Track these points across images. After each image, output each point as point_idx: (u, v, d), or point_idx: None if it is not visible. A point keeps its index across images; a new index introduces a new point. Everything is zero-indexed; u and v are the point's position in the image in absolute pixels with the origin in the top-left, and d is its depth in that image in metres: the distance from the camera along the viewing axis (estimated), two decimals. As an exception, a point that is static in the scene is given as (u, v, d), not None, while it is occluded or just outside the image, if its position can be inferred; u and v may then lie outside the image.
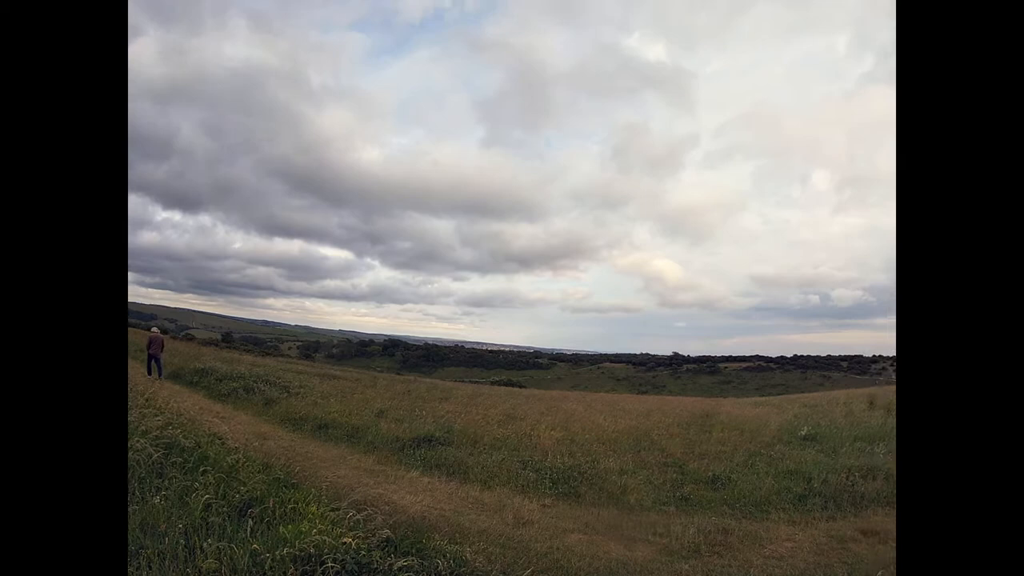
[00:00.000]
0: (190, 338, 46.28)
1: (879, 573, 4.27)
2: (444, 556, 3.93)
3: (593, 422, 12.44)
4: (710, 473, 8.22)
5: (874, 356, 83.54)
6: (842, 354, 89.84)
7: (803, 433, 10.95)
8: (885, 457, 8.55)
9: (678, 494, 7.50)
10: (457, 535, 4.76)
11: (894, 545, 4.58)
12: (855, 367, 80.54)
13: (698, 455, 9.35)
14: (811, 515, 6.74)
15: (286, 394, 13.27)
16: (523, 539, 5.31)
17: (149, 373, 14.46)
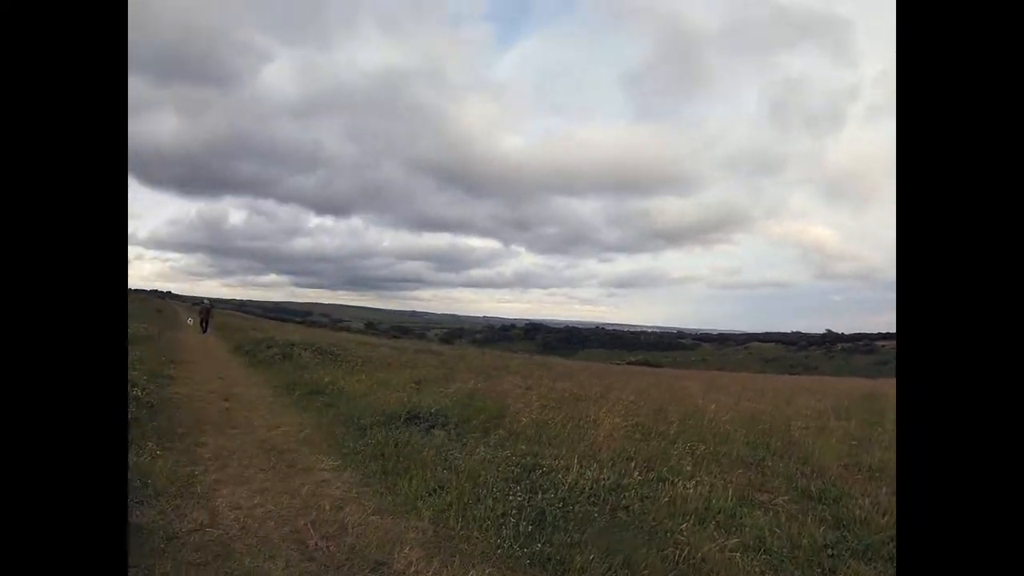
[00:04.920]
0: (343, 328, 52.42)
1: None
2: None
3: (695, 406, 9.28)
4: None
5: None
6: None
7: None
8: None
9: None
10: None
11: None
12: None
13: (872, 470, 6.06)
14: None
15: (320, 359, 13.88)
16: None
17: (204, 330, 25.92)
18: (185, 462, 5.68)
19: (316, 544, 4.02)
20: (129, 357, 10.82)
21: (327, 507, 4.69)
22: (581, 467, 5.37)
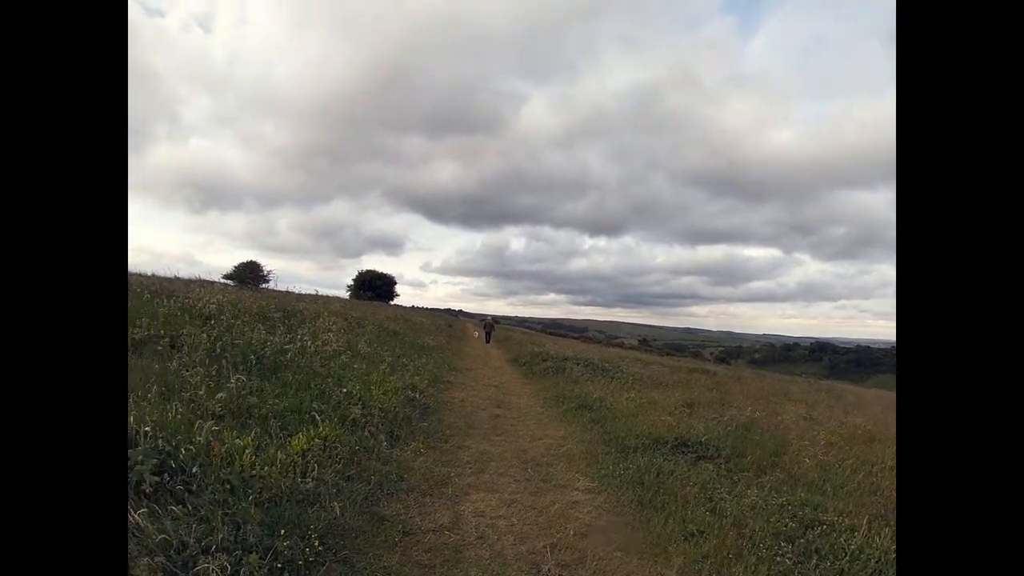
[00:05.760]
0: (617, 345, 61.34)
1: None
2: None
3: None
4: None
5: None
6: None
7: None
8: None
9: None
10: None
11: None
12: None
13: None
14: None
15: (591, 374, 13.91)
16: None
17: (487, 341, 29.22)
18: (444, 463, 5.90)
19: (549, 571, 3.70)
20: (414, 364, 11.99)
21: (571, 532, 4.35)
22: (870, 530, 4.42)
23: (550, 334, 67.53)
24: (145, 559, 2.87)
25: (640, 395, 10.85)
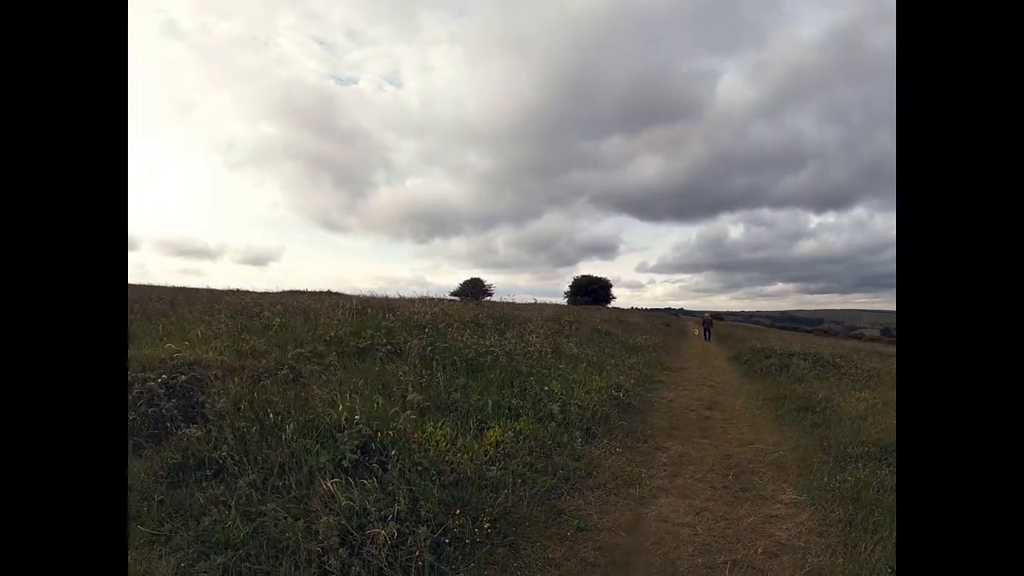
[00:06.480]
0: (855, 336, 59.44)
1: None
2: None
3: None
4: None
5: None
6: None
7: None
8: None
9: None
10: None
11: None
12: None
13: None
14: None
15: (819, 371, 13.03)
16: None
17: (706, 339, 28.95)
18: (638, 463, 5.86)
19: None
20: (622, 363, 11.96)
21: (759, 550, 3.98)
22: None
23: (780, 328, 62.70)
24: (325, 518, 3.38)
25: (873, 394, 9.71)
